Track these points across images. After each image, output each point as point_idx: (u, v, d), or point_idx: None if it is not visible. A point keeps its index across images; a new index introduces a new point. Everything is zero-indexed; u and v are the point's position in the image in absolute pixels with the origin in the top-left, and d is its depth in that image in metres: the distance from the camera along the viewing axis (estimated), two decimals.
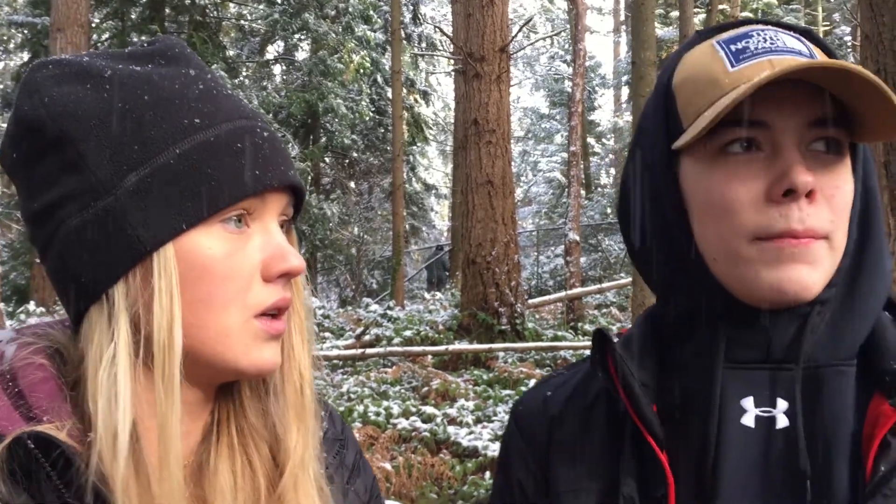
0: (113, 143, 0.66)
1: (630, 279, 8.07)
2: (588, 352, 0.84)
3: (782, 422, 0.75)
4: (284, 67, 20.67)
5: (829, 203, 0.72)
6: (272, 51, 20.82)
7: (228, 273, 0.68)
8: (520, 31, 12.14)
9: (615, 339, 0.81)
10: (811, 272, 0.72)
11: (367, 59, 19.09)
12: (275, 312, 0.72)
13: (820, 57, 0.74)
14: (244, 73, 18.64)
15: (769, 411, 0.75)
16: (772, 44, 0.74)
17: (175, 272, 0.66)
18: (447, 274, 19.07)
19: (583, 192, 17.06)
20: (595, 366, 0.83)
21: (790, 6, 21.26)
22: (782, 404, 0.75)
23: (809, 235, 0.71)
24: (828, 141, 0.73)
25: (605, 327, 0.85)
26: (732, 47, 0.76)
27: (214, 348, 0.69)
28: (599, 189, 26.44)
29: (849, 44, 19.77)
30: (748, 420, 0.75)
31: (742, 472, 0.74)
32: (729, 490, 0.74)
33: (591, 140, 26.32)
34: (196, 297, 0.67)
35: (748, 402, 0.76)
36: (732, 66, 0.74)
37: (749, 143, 0.73)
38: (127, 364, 0.65)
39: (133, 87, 0.68)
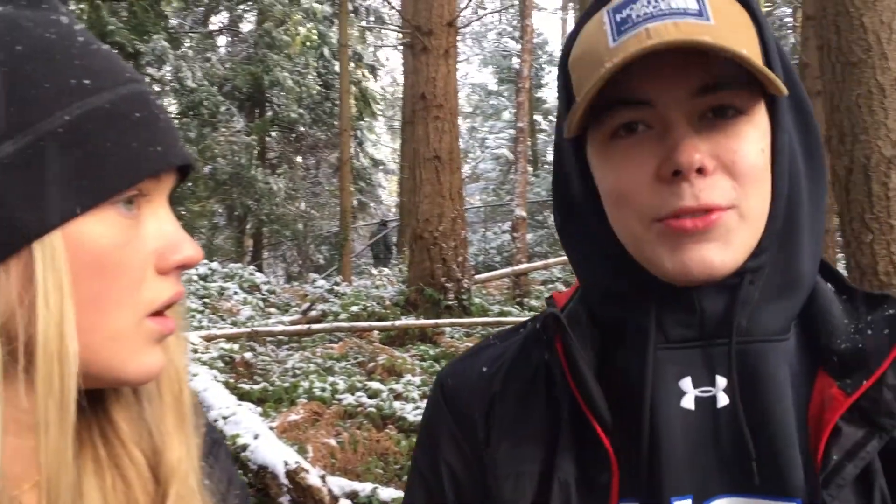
0: None
1: None
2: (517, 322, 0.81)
3: (723, 400, 0.72)
4: (229, 39, 20.25)
5: (729, 171, 0.68)
6: (216, 21, 20.37)
7: (122, 266, 0.58)
8: (468, 5, 12.07)
9: (559, 313, 0.77)
10: (717, 249, 0.68)
11: (314, 31, 18.81)
12: (164, 309, 0.63)
13: (711, 12, 0.68)
14: (187, 45, 18.20)
15: (709, 391, 0.72)
16: (654, 7, 0.67)
17: (65, 264, 0.54)
18: (394, 250, 19.03)
19: (530, 169, 17.15)
20: (541, 343, 0.79)
21: None
22: (721, 381, 0.72)
23: (707, 210, 0.67)
24: (721, 106, 0.68)
25: (551, 302, 0.81)
26: (617, 16, 0.69)
27: (100, 354, 0.58)
28: (546, 166, 26.58)
29: (789, 25, 20.13)
30: (688, 402, 0.72)
31: (686, 457, 0.71)
32: (674, 476, 0.71)
33: (538, 117, 26.43)
34: (85, 294, 0.56)
35: (686, 383, 0.73)
36: (614, 39, 0.68)
37: (635, 125, 0.69)
38: None
39: None
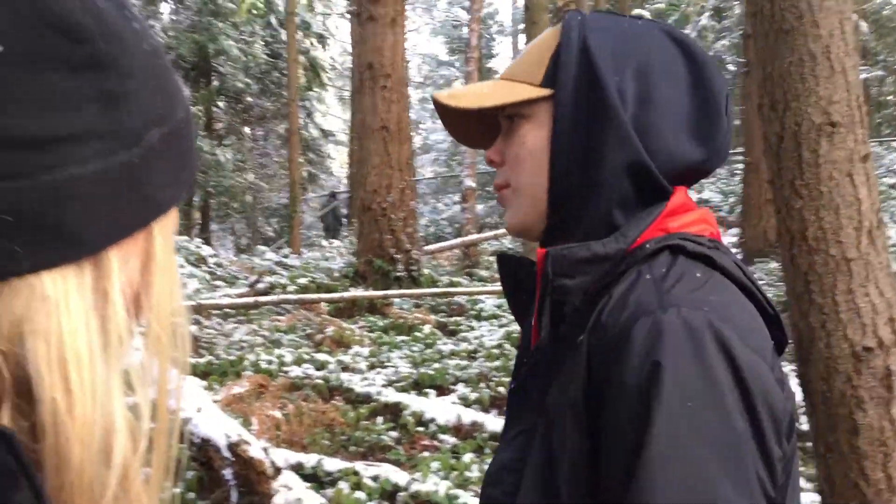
0: (147, 89, 0.56)
1: None
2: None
3: None
4: (172, 6, 19.74)
5: (509, 162, 1.00)
6: None
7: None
8: None
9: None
10: (508, 213, 1.01)
11: None
12: None
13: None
14: None
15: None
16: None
17: (170, 245, 0.59)
18: (346, 221, 18.92)
19: None
20: None
21: None
22: None
23: (498, 189, 1.02)
24: (508, 116, 0.99)
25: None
26: None
27: None
28: None
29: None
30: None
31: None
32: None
33: None
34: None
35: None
36: None
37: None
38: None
39: (145, 25, 0.58)
